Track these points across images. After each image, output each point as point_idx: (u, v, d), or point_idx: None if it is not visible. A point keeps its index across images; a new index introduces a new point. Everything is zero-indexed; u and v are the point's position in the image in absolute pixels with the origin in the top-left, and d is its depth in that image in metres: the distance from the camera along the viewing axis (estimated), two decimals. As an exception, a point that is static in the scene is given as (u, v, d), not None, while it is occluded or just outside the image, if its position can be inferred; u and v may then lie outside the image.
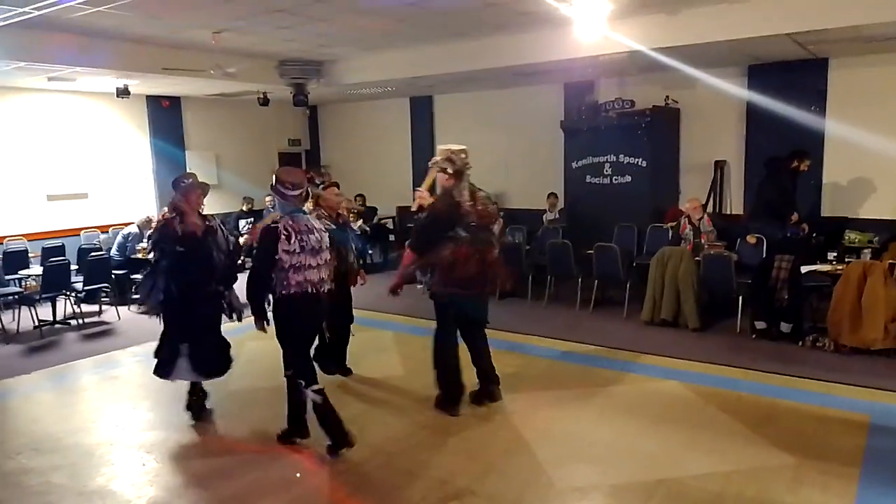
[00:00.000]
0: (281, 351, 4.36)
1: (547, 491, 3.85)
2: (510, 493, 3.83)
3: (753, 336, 6.74)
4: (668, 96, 9.56)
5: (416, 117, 12.93)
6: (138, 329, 7.75)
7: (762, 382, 5.51)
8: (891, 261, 6.22)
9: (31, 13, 6.04)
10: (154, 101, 11.50)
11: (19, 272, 8.51)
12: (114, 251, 9.12)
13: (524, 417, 4.90)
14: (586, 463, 4.18)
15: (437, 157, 5.14)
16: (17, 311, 7.96)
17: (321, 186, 5.91)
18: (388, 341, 7.12)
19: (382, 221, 12.63)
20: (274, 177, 4.21)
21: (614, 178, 9.71)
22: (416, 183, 12.82)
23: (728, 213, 9.32)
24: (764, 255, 7.17)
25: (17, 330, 7.71)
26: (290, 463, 4.30)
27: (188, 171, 11.97)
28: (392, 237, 12.49)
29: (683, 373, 5.78)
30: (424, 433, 4.71)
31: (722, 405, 5.02)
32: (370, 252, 11.57)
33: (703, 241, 7.50)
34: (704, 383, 5.50)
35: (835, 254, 7.15)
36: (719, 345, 6.57)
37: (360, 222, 11.33)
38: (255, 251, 4.27)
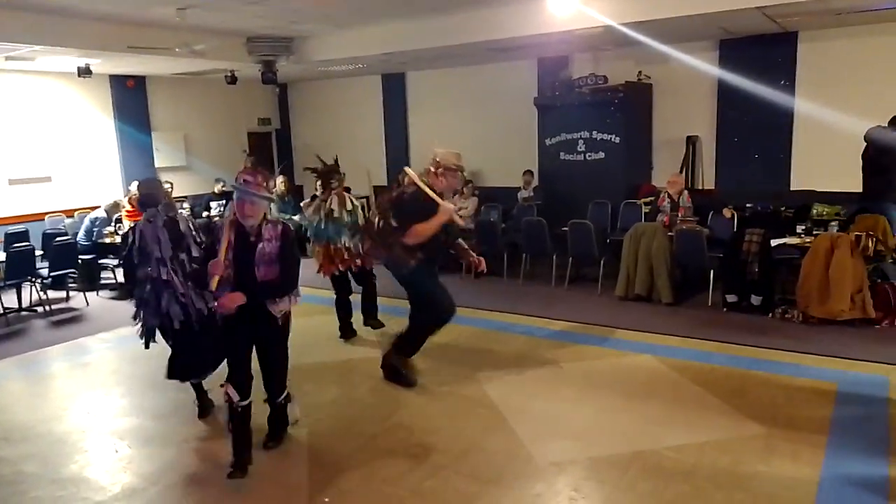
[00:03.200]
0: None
1: (526, 466, 3.88)
2: (490, 469, 3.85)
3: (725, 309, 6.86)
4: (640, 72, 9.56)
5: (388, 95, 12.77)
6: (108, 315, 7.61)
7: (734, 354, 5.61)
8: (857, 233, 6.35)
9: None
10: (118, 81, 11.18)
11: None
12: (80, 236, 8.91)
13: (502, 395, 4.92)
14: (564, 438, 4.22)
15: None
16: (-18, 298, 7.75)
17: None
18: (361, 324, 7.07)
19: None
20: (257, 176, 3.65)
21: (588, 154, 9.72)
22: (391, 162, 12.78)
23: (700, 188, 9.41)
24: (735, 230, 7.27)
25: (-17, 318, 7.52)
26: (267, 448, 4.26)
27: (155, 151, 11.75)
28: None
29: (657, 347, 5.86)
30: (403, 413, 4.71)
31: (695, 378, 5.11)
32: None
33: (679, 214, 7.57)
34: (678, 357, 5.59)
35: (803, 227, 7.27)
36: (692, 319, 6.66)
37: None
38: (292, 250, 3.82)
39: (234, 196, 3.68)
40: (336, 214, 6.14)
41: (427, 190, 4.96)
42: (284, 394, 4.15)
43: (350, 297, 6.55)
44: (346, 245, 6.16)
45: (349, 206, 6.24)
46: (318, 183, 6.32)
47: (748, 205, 8.19)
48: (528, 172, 10.42)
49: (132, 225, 4.93)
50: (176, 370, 4.64)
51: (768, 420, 4.32)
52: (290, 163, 14.23)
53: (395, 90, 12.65)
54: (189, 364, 4.59)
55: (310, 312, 7.56)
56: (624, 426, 4.36)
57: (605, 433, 4.28)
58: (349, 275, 6.41)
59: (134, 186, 9.76)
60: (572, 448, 4.08)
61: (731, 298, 6.87)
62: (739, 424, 4.31)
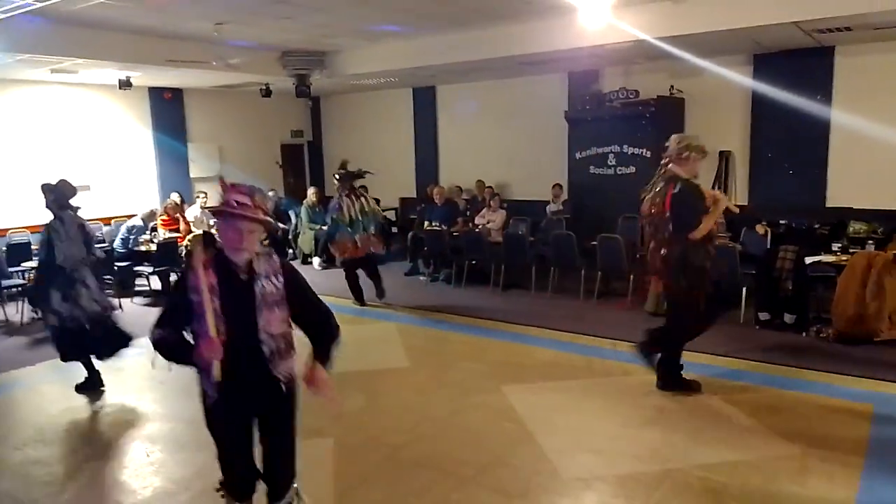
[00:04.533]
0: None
1: (552, 481, 3.85)
2: (516, 483, 3.83)
3: (757, 327, 6.73)
4: (672, 86, 9.51)
5: (419, 108, 12.89)
6: (142, 321, 7.74)
7: (766, 373, 5.51)
8: (895, 251, 6.20)
9: (34, 4, 6.02)
10: (156, 93, 11.48)
11: (22, 265, 8.51)
12: (117, 243, 9.12)
13: (529, 408, 4.90)
14: (591, 453, 4.18)
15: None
16: (20, 303, 7.97)
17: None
18: (391, 332, 7.12)
19: (385, 213, 12.61)
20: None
21: (618, 168, 9.68)
22: (420, 174, 12.88)
23: (733, 202, 9.27)
24: (769, 246, 7.15)
25: (21, 322, 7.73)
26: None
27: (190, 162, 12.02)
28: (395, 229, 12.47)
29: (688, 364, 5.74)
30: (428, 425, 4.71)
31: (726, 396, 5.02)
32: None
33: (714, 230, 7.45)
34: (709, 374, 5.49)
35: (839, 244, 7.13)
36: (723, 336, 6.52)
37: None
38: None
39: (220, 223, 2.73)
40: (367, 209, 7.96)
41: (692, 180, 4.81)
42: (292, 491, 2.97)
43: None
44: (372, 234, 7.91)
45: (371, 205, 8.10)
46: (342, 185, 7.99)
47: (782, 221, 8.06)
48: (558, 186, 10.40)
49: (49, 225, 5.31)
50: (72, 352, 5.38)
51: (802, 440, 4.23)
52: (322, 174, 14.46)
53: (425, 103, 12.76)
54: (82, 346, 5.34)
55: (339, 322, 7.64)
56: (653, 443, 4.30)
57: (632, 449, 4.22)
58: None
59: (175, 195, 10.01)
60: (599, 463, 4.04)
61: (763, 316, 6.74)
62: (772, 444, 4.22)
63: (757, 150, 9.11)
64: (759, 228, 7.58)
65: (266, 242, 3.62)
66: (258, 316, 2.68)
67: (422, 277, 9.75)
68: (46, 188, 5.41)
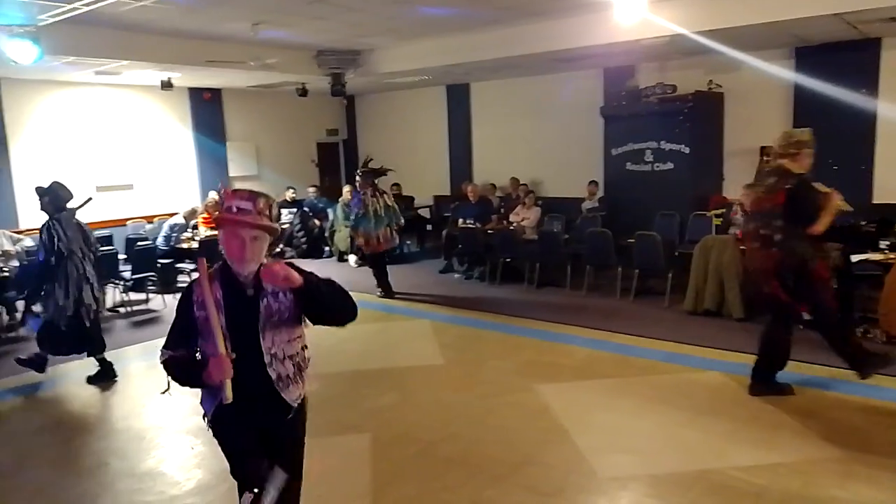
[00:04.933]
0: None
1: (587, 480, 3.84)
2: (550, 482, 3.83)
3: (801, 327, 6.56)
4: (711, 80, 9.34)
5: (452, 106, 12.91)
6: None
7: (808, 374, 5.38)
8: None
9: (80, 9, 6.21)
10: (196, 94, 11.73)
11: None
12: (160, 241, 9.36)
13: (563, 407, 4.88)
14: (626, 453, 4.15)
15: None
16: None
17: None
18: (425, 329, 7.16)
19: (419, 211, 12.68)
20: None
21: (655, 164, 9.56)
22: (454, 172, 12.90)
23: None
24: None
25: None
26: (331, 450, 4.37)
27: (228, 161, 12.25)
28: (429, 227, 12.51)
29: (727, 363, 5.68)
30: (462, 422, 4.74)
31: (766, 397, 4.92)
32: (407, 242, 11.64)
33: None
34: (749, 374, 5.39)
35: (887, 242, 6.91)
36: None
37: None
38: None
39: (221, 233, 2.46)
40: (390, 203, 8.56)
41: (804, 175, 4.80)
42: None
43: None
44: (394, 228, 8.54)
45: (391, 203, 8.65)
46: (364, 181, 8.53)
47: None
48: (593, 183, 10.31)
49: (47, 226, 5.54)
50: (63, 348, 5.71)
51: (845, 442, 4.13)
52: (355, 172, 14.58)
53: (459, 100, 12.77)
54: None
55: (372, 319, 7.72)
56: (689, 443, 4.25)
57: (668, 449, 4.18)
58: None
59: (213, 194, 10.23)
60: (634, 463, 4.01)
61: (806, 315, 6.57)
62: (814, 446, 4.13)
63: (799, 145, 8.87)
64: (803, 225, 7.38)
65: (277, 250, 3.71)
66: (262, 337, 2.45)
67: (456, 275, 9.78)
68: (41, 191, 5.68)
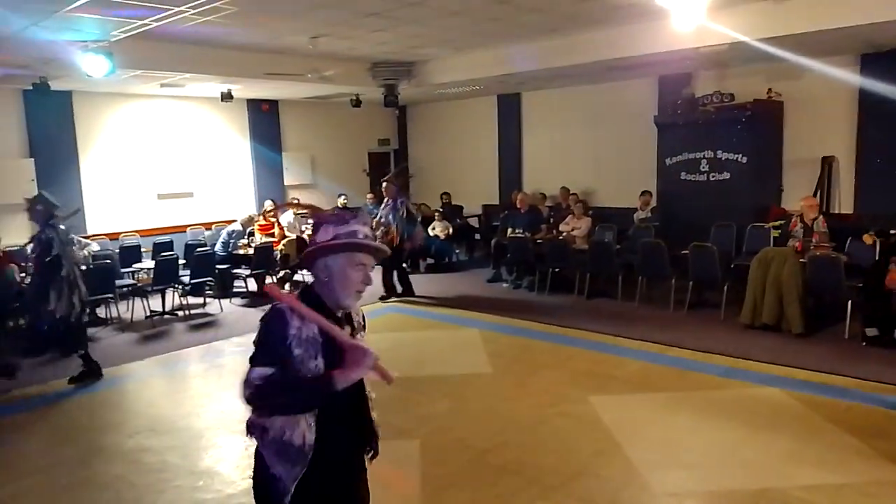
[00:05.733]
0: None
1: (641, 495, 3.77)
2: (603, 495, 3.78)
3: (864, 343, 6.32)
4: (770, 89, 9.10)
5: (503, 115, 12.93)
6: (240, 321, 8.18)
7: (874, 392, 5.17)
8: None
9: (150, 25, 6.50)
10: (254, 105, 12.08)
11: (133, 266, 9.16)
12: (218, 247, 9.64)
13: (616, 419, 4.81)
14: (682, 468, 4.06)
15: None
16: (130, 301, 8.57)
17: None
18: (474, 338, 7.17)
19: (468, 220, 12.72)
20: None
21: (711, 174, 9.36)
22: (503, 181, 12.90)
23: (836, 212, 8.78)
24: (877, 257, 6.71)
25: (131, 319, 8.30)
26: (384, 456, 4.41)
27: (284, 171, 12.54)
28: (478, 236, 12.54)
29: (786, 380, 5.51)
30: (513, 431, 4.72)
31: (829, 415, 4.75)
32: (456, 251, 11.69)
33: (813, 240, 7.09)
34: (810, 391, 5.22)
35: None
36: (826, 352, 6.20)
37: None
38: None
39: (338, 261, 2.06)
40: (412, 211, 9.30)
41: None
42: None
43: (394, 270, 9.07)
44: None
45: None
46: (396, 186, 9.15)
47: (892, 231, 7.52)
48: (647, 193, 10.16)
49: (39, 237, 5.80)
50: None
51: (916, 466, 3.95)
52: (407, 181, 14.77)
53: (510, 110, 12.78)
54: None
55: (421, 327, 7.78)
56: (747, 460, 4.13)
57: (726, 466, 4.07)
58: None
59: (268, 203, 10.52)
60: (690, 479, 3.93)
61: (871, 332, 6.33)
62: (881, 468, 3.96)
63: (864, 155, 8.57)
64: (867, 238, 7.12)
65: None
66: (366, 382, 2.17)
67: (504, 284, 9.76)
68: (33, 200, 5.95)
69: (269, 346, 2.01)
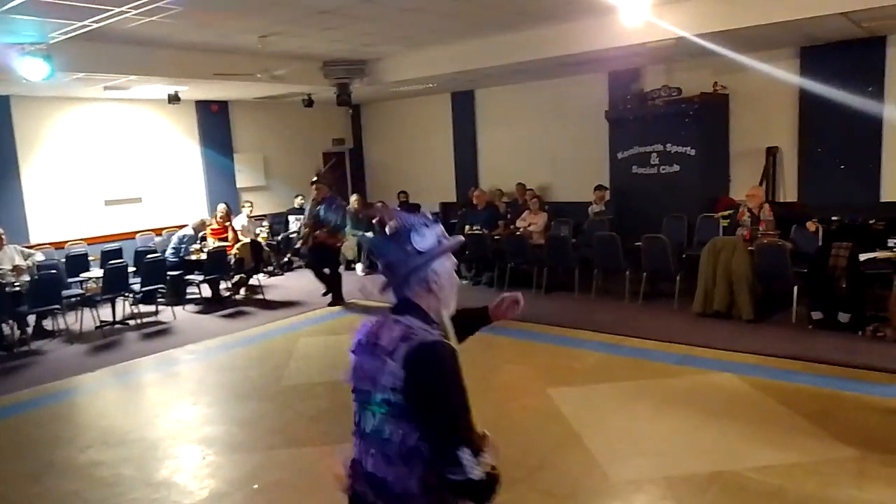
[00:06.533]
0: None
1: (601, 484, 3.84)
2: (564, 486, 3.83)
3: (811, 326, 6.56)
4: (716, 82, 9.34)
5: (458, 112, 12.94)
6: (194, 328, 8.00)
7: (821, 374, 5.36)
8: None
9: (90, 26, 6.29)
10: (203, 107, 11.81)
11: (81, 275, 8.87)
12: (169, 253, 9.41)
13: (575, 411, 4.88)
14: (641, 456, 4.14)
15: None
16: (79, 312, 8.29)
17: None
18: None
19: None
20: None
21: (662, 167, 9.55)
22: (460, 178, 12.93)
23: (782, 200, 9.06)
24: (821, 243, 6.96)
25: (80, 330, 8.04)
26: (344, 457, 4.38)
27: (236, 172, 12.32)
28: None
29: (739, 365, 5.67)
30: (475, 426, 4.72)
31: (780, 398, 4.91)
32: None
33: (760, 228, 7.31)
34: (761, 375, 5.39)
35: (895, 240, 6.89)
36: (775, 336, 6.41)
37: None
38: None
39: (448, 270, 1.83)
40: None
41: None
42: None
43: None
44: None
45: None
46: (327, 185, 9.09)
47: (834, 217, 7.82)
48: (601, 187, 10.32)
49: None
50: None
51: (860, 443, 4.11)
52: (363, 181, 14.69)
53: (464, 108, 12.81)
54: None
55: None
56: (703, 445, 4.24)
57: (682, 452, 4.17)
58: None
59: (221, 206, 10.31)
60: (649, 466, 4.01)
61: (816, 315, 6.57)
62: (829, 446, 4.11)
63: (806, 145, 8.87)
64: (810, 225, 7.38)
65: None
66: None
67: (464, 281, 9.79)
68: None
69: (468, 409, 1.69)
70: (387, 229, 1.85)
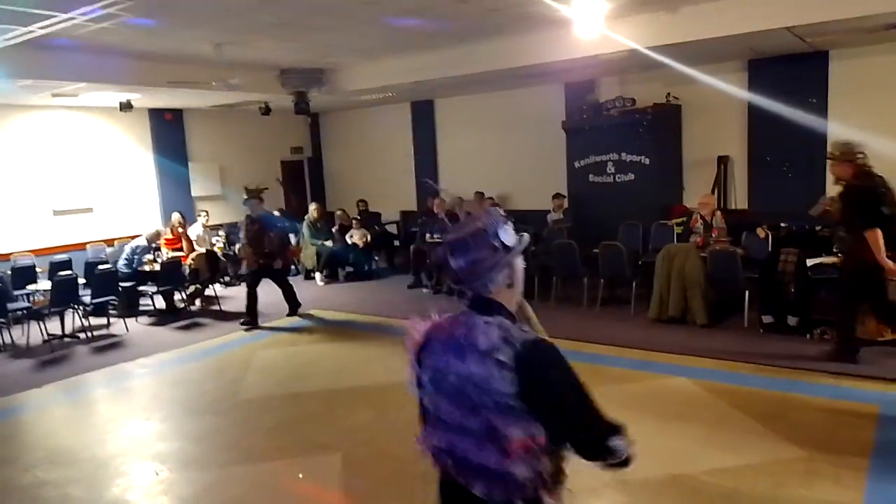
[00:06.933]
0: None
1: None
2: (524, 493, 3.83)
3: (761, 330, 6.75)
4: (669, 93, 9.57)
5: (417, 122, 12.97)
6: (147, 341, 7.80)
7: (772, 377, 5.52)
8: (891, 253, 6.21)
9: (36, 32, 6.10)
10: (157, 115, 11.57)
11: (27, 287, 8.56)
12: (121, 264, 9.17)
13: (535, 418, 4.89)
14: (599, 461, 4.18)
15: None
16: (26, 325, 7.99)
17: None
18: (396, 347, 7.11)
19: (386, 227, 12.67)
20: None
21: (617, 176, 9.73)
22: (421, 187, 12.93)
23: (733, 208, 9.33)
24: (770, 249, 7.18)
25: (27, 345, 7.75)
26: (304, 471, 4.32)
27: (191, 181, 12.09)
28: (397, 243, 12.51)
29: (693, 369, 5.79)
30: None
31: (732, 401, 5.03)
32: (375, 259, 11.61)
33: (713, 235, 7.50)
34: (715, 379, 5.51)
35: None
36: (728, 340, 6.57)
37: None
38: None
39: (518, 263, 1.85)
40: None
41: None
42: None
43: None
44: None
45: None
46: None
47: (783, 224, 8.08)
48: (558, 195, 10.45)
49: None
50: None
51: (809, 443, 4.24)
52: (322, 190, 14.58)
53: (424, 117, 12.84)
54: None
55: (342, 337, 7.68)
56: (659, 449, 4.30)
57: (640, 456, 4.13)
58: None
59: (176, 215, 10.10)
60: (606, 472, 4.04)
61: (767, 319, 6.76)
62: (779, 447, 4.23)
63: (755, 154, 9.15)
64: (760, 232, 7.61)
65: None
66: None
67: (424, 290, 9.78)
68: None
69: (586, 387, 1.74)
70: (461, 225, 1.87)
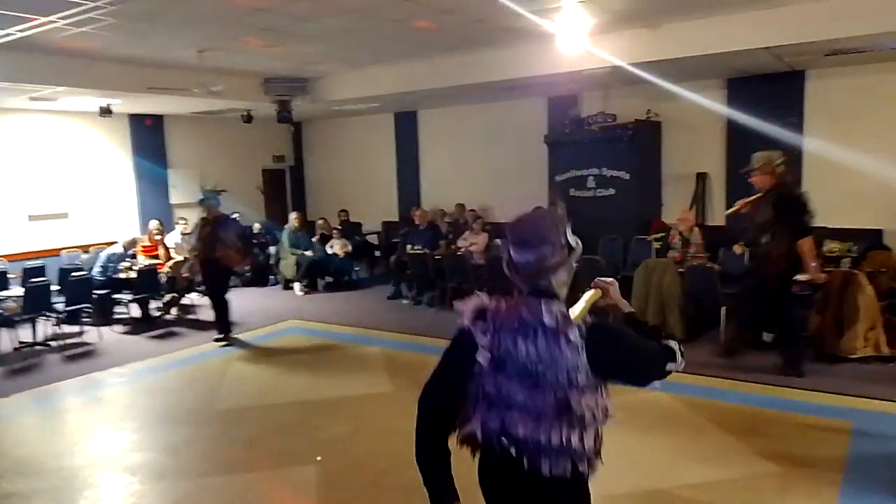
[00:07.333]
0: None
1: (537, 504, 3.84)
2: (501, 507, 3.81)
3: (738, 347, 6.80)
4: (649, 110, 9.68)
5: (401, 132, 12.98)
6: (121, 349, 7.67)
7: (748, 392, 5.57)
8: (869, 269, 6.33)
9: (14, 34, 6.02)
10: (136, 120, 11.45)
11: (0, 293, 8.39)
12: (96, 271, 9.01)
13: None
14: (576, 475, 4.18)
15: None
16: (-2, 332, 7.83)
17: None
18: (375, 357, 7.09)
19: (367, 237, 12.63)
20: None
21: (598, 191, 9.80)
22: (402, 198, 12.94)
23: (711, 224, 9.43)
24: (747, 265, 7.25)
25: (-3, 352, 7.60)
26: (277, 482, 4.26)
27: (170, 188, 11.96)
28: (378, 253, 12.47)
29: (670, 384, 5.72)
30: (412, 449, 4.67)
31: (709, 415, 5.07)
32: (356, 269, 11.56)
33: (690, 250, 7.57)
34: (692, 394, 5.54)
35: (815, 263, 7.23)
36: (705, 355, 6.61)
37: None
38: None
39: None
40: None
41: None
42: None
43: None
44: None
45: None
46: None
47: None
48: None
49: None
50: None
51: (783, 458, 4.28)
52: (303, 199, 14.51)
53: (407, 128, 12.86)
54: None
55: (321, 347, 7.61)
56: (637, 463, 4.32)
57: (615, 470, 4.21)
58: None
59: (154, 222, 9.98)
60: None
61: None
62: (754, 462, 4.26)
63: (733, 171, 9.26)
64: (737, 248, 7.68)
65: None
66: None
67: (405, 301, 9.75)
68: None
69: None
70: (524, 220, 2.09)
